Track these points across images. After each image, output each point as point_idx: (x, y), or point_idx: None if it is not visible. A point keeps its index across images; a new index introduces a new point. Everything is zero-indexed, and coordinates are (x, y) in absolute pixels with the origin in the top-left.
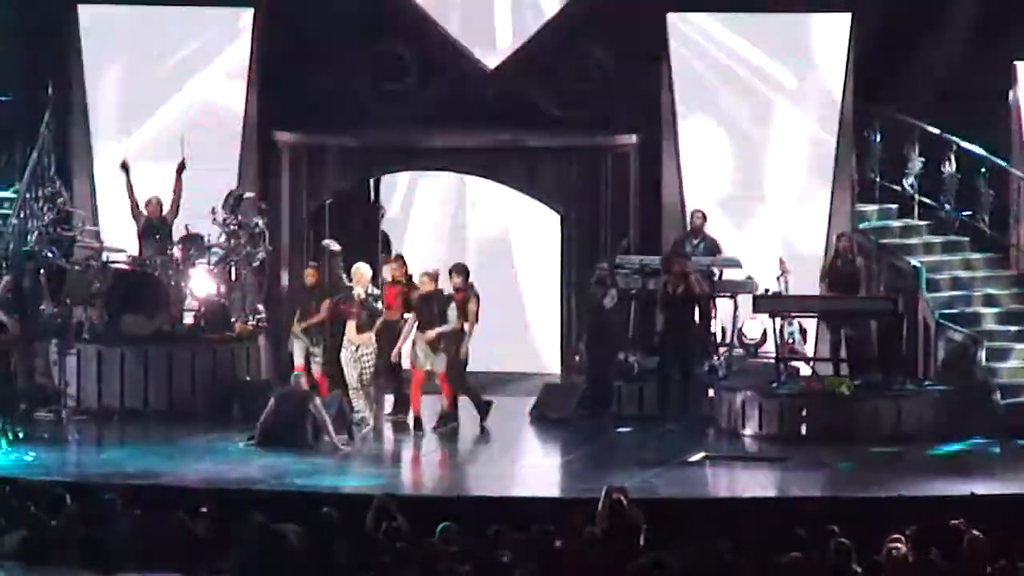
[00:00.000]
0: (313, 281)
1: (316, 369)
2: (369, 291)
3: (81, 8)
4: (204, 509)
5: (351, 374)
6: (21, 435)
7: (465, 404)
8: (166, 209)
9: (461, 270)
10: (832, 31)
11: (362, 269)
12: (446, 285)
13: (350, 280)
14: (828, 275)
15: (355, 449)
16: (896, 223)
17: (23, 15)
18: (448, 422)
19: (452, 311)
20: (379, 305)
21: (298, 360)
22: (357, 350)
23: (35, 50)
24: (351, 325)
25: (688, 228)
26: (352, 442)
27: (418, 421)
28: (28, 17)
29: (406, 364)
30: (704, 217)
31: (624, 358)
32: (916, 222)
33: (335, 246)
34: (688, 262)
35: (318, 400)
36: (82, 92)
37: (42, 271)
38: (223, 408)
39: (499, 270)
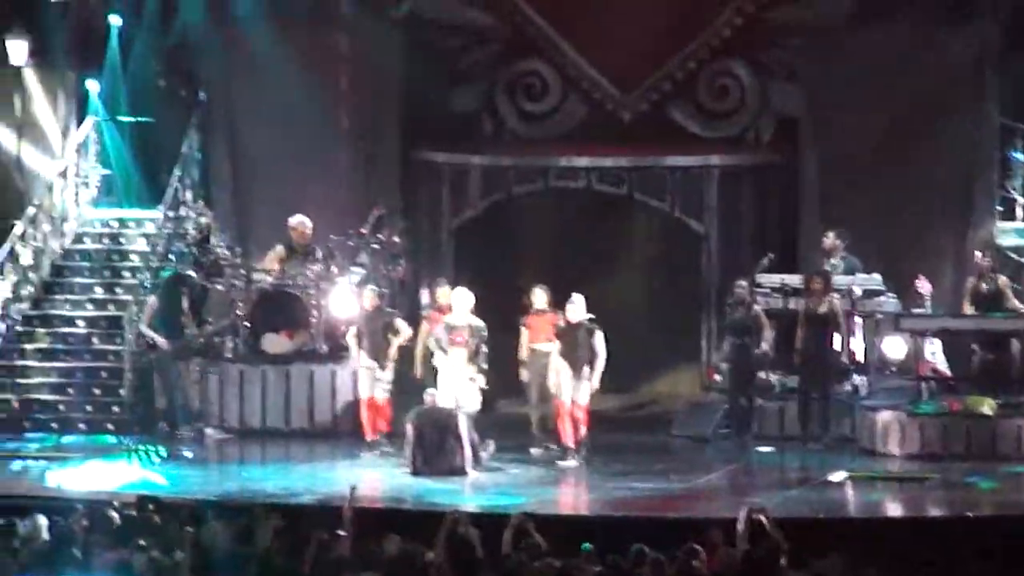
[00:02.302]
0: (374, 304)
1: (382, 395)
2: (472, 321)
3: (224, 28)
4: (342, 532)
5: (448, 401)
6: (162, 454)
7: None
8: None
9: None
10: (972, 46)
11: (463, 295)
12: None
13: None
14: (970, 294)
15: (495, 471)
16: None
17: (165, 37)
18: (579, 451)
19: (599, 340)
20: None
21: (364, 393)
22: (460, 376)
23: (177, 71)
24: (460, 351)
25: (825, 248)
26: (481, 466)
27: (565, 450)
28: (170, 38)
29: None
30: (841, 237)
31: (764, 377)
32: None
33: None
34: (829, 281)
35: (461, 417)
36: (224, 111)
37: (185, 291)
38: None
39: (637, 288)
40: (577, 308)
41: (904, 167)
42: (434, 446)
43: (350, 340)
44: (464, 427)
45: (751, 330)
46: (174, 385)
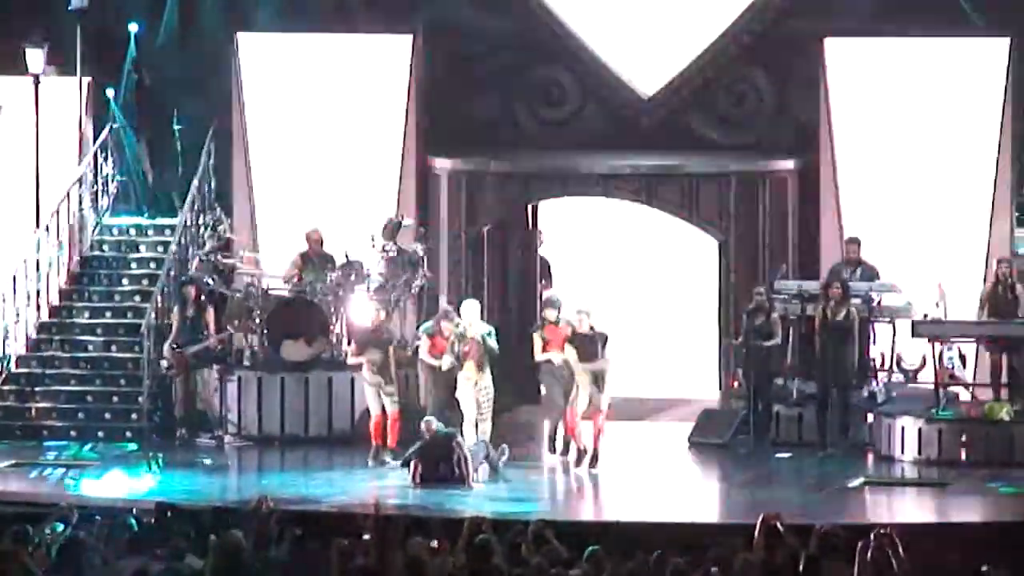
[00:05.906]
0: (377, 322)
1: (391, 408)
2: (480, 329)
3: (241, 36)
4: (365, 538)
5: (469, 408)
6: (180, 462)
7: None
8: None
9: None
10: (990, 55)
11: (470, 306)
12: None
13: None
14: (987, 301)
15: (511, 478)
16: None
17: (184, 43)
18: (596, 460)
19: (608, 349)
20: (494, 343)
21: (374, 409)
22: (476, 384)
23: (197, 78)
24: (470, 363)
25: (844, 255)
26: (497, 475)
27: (582, 455)
28: (189, 45)
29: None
30: (858, 244)
31: (782, 383)
32: None
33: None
34: (847, 287)
35: (461, 439)
36: (242, 119)
37: (203, 298)
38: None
39: (656, 296)
40: (586, 319)
41: (923, 174)
42: (437, 473)
43: (351, 360)
44: (466, 449)
45: (769, 336)
46: (193, 393)
